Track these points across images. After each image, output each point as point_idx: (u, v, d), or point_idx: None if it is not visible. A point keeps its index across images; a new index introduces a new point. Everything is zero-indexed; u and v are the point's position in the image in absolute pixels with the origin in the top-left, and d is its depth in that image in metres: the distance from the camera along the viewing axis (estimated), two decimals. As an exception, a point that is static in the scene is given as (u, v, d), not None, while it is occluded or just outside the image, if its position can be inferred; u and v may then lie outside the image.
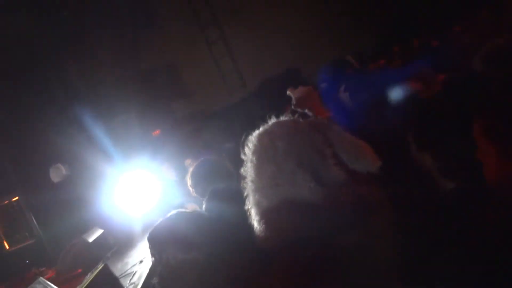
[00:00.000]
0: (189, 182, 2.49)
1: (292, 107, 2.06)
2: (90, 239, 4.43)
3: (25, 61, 5.56)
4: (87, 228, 4.80)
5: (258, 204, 1.21)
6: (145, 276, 3.01)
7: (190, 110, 6.93)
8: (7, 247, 5.86)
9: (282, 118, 1.33)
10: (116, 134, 5.97)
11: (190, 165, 3.07)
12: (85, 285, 2.72)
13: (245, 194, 1.26)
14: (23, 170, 5.80)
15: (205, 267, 1.37)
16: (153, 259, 1.61)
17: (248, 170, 1.25)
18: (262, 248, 1.21)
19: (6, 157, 5.77)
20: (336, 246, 1.10)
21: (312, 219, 1.14)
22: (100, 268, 2.95)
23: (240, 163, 1.33)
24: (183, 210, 1.71)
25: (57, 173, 5.45)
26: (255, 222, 1.22)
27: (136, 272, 3.36)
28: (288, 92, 2.10)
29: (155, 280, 1.55)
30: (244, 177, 1.27)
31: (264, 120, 1.35)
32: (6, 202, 5.94)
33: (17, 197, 5.90)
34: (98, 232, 4.63)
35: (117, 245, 4.63)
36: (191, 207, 3.03)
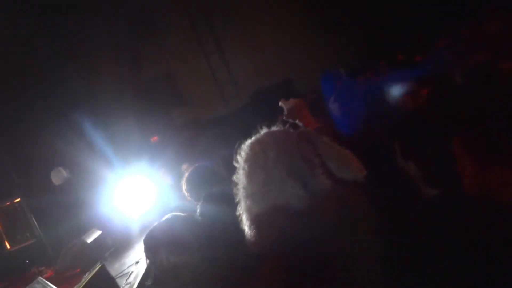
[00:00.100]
0: (184, 186, 2.48)
1: (284, 117, 2.06)
2: (89, 240, 4.40)
3: (27, 68, 5.54)
4: (86, 229, 4.77)
5: (249, 210, 1.21)
6: (141, 277, 2.99)
7: (187, 118, 6.94)
8: (8, 247, 5.81)
9: (273, 128, 1.33)
10: (115, 140, 5.95)
11: (186, 170, 3.07)
12: (82, 285, 2.69)
13: (237, 200, 1.26)
14: (25, 173, 5.77)
15: (197, 270, 1.36)
16: (147, 261, 1.60)
17: (240, 177, 1.25)
18: (252, 251, 1.21)
19: (8, 161, 5.74)
20: (323, 252, 1.10)
21: (300, 225, 1.14)
22: (97, 268, 2.92)
23: (233, 169, 1.33)
24: (178, 214, 1.70)
25: (58, 176, 5.42)
26: (246, 226, 1.22)
27: (132, 272, 3.33)
28: (280, 104, 2.11)
29: (149, 282, 1.54)
30: (236, 184, 1.27)
31: (256, 130, 1.36)
32: (8, 203, 5.90)
33: (18, 199, 5.86)
34: (97, 233, 4.60)
35: (114, 246, 4.60)
36: (185, 211, 3.02)
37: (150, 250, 1.54)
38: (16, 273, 5.06)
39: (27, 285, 2.98)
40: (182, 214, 1.69)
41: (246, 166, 1.23)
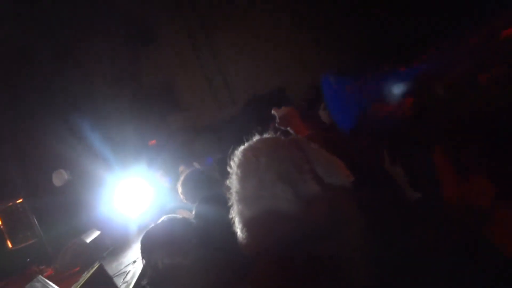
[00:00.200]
0: (179, 189, 2.47)
1: (276, 125, 2.06)
2: (88, 240, 4.35)
3: (31, 76, 5.51)
4: (85, 229, 4.73)
5: (241, 213, 1.20)
6: (137, 276, 2.96)
7: (184, 123, 6.93)
8: (10, 245, 5.77)
9: (266, 136, 1.32)
10: (114, 144, 5.94)
11: (183, 173, 3.05)
12: (81, 283, 2.65)
13: (230, 203, 1.25)
14: (27, 175, 5.74)
15: (190, 273, 1.34)
16: (143, 261, 1.58)
17: (233, 181, 1.24)
18: (244, 254, 1.20)
19: (11, 163, 5.71)
20: (313, 254, 1.10)
21: (290, 228, 1.13)
22: (96, 267, 2.89)
23: (227, 173, 1.32)
24: (174, 216, 1.69)
25: (59, 178, 5.37)
26: (238, 229, 1.21)
27: (129, 271, 3.30)
28: (272, 111, 2.11)
29: (144, 282, 1.52)
30: (229, 188, 1.26)
31: (249, 136, 1.35)
32: (10, 204, 5.87)
33: (21, 200, 5.83)
34: (96, 234, 4.56)
35: (112, 245, 4.56)
36: (181, 212, 3.00)
37: (146, 251, 1.53)
38: (17, 271, 5.01)
39: (27, 284, 2.93)
40: (178, 217, 1.68)
41: (239, 171, 1.22)
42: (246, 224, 1.18)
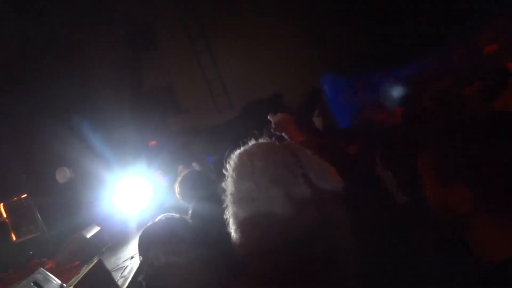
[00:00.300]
0: (176, 190, 2.44)
1: (271, 130, 2.05)
2: (88, 235, 4.31)
3: (35, 77, 5.47)
4: (86, 225, 4.68)
5: (235, 215, 1.19)
6: (134, 272, 2.93)
7: (183, 125, 6.92)
8: (14, 238, 5.72)
9: (261, 140, 1.31)
10: (115, 144, 5.91)
11: (182, 172, 3.03)
12: (80, 277, 2.62)
13: (225, 205, 1.23)
14: (32, 171, 5.71)
15: (185, 271, 1.33)
16: (140, 258, 1.56)
17: (228, 184, 1.23)
18: (238, 254, 1.18)
19: (16, 160, 5.67)
20: (304, 256, 1.09)
21: (282, 229, 1.12)
22: (95, 261, 2.85)
23: (223, 174, 1.31)
24: (171, 215, 1.67)
25: (62, 175, 5.33)
26: (232, 230, 1.20)
27: (127, 266, 3.26)
28: (268, 117, 2.10)
29: (141, 277, 1.50)
30: (225, 190, 1.25)
31: (245, 140, 1.34)
32: (15, 198, 5.82)
33: (25, 195, 5.78)
34: (96, 229, 4.52)
35: (112, 241, 4.52)
36: (180, 210, 2.98)
37: (143, 248, 1.51)
38: (20, 263, 4.96)
39: (29, 275, 2.89)
40: (175, 216, 1.66)
41: (234, 174, 1.21)
42: (239, 225, 1.17)
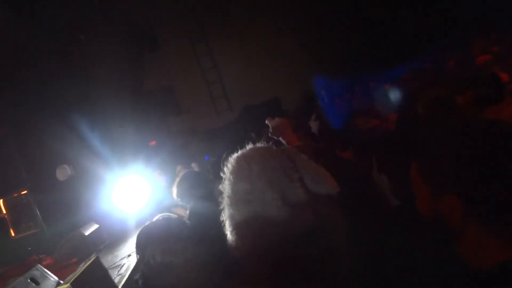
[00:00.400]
0: (174, 191, 2.44)
1: (269, 134, 2.06)
2: (86, 232, 4.29)
3: (37, 78, 5.44)
4: (85, 222, 4.66)
5: (231, 217, 1.19)
6: (131, 270, 2.91)
7: (182, 126, 6.91)
8: (13, 234, 5.70)
9: (259, 144, 1.32)
10: (115, 143, 5.89)
11: (180, 172, 3.01)
12: (77, 274, 2.60)
13: (221, 207, 1.24)
14: (32, 169, 5.68)
15: (181, 271, 1.32)
16: (137, 256, 1.56)
17: (225, 186, 1.23)
18: (233, 255, 1.18)
19: (18, 158, 5.65)
20: (300, 258, 1.09)
21: (277, 232, 1.12)
22: (92, 259, 2.83)
23: (220, 176, 1.31)
24: (169, 215, 1.67)
25: (62, 173, 5.31)
26: (228, 232, 1.20)
27: (124, 264, 3.25)
28: (266, 121, 2.10)
29: (137, 276, 1.49)
30: (222, 193, 1.25)
31: (243, 144, 1.34)
32: (15, 195, 5.80)
33: (25, 191, 5.76)
34: (94, 227, 4.50)
35: (109, 239, 4.50)
36: (178, 210, 2.97)
37: (140, 247, 1.50)
38: (18, 259, 4.93)
39: (26, 272, 2.87)
40: (173, 216, 1.66)
41: (231, 177, 1.21)
42: (236, 227, 1.17)
